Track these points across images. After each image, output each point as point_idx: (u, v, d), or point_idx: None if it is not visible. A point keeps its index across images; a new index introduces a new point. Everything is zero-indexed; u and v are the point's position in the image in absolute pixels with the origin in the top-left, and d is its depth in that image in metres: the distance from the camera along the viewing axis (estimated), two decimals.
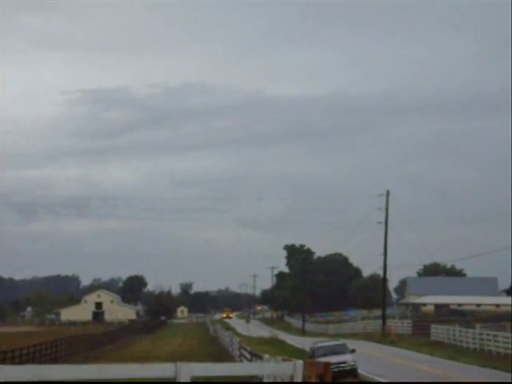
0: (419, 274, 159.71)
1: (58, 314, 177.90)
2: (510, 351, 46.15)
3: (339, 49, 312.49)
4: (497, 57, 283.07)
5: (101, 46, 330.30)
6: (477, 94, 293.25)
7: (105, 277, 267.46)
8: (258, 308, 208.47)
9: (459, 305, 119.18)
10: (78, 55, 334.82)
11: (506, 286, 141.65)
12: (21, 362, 43.61)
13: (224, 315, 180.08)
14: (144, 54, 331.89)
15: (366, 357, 44.23)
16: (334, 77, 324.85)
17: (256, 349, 40.17)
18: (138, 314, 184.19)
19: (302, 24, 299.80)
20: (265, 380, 21.84)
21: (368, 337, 75.90)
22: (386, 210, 79.42)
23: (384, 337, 72.59)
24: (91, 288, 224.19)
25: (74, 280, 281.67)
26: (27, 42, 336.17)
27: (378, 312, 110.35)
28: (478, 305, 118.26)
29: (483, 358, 45.43)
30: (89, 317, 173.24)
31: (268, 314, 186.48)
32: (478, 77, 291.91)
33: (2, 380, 7.97)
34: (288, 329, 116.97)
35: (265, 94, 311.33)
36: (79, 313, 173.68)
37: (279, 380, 16.79)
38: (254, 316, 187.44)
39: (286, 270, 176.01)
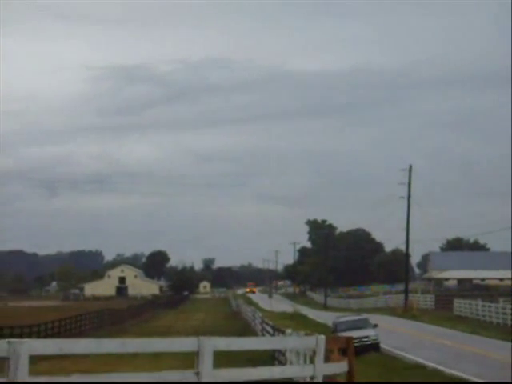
0: (442, 249, 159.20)
1: (82, 289, 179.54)
2: None
3: (360, 24, 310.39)
4: None
5: (123, 21, 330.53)
6: (501, 67, 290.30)
7: (128, 252, 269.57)
8: (280, 283, 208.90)
9: (482, 279, 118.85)
10: (101, 31, 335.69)
11: None
12: (46, 336, 44.16)
13: (247, 290, 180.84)
14: (166, 30, 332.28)
15: (388, 331, 44.27)
16: (354, 51, 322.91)
17: (278, 323, 40.31)
18: (161, 289, 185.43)
19: None
20: (287, 354, 21.94)
21: (390, 312, 75.93)
22: (409, 184, 79.07)
23: (406, 311, 72.58)
24: (114, 263, 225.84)
25: (97, 255, 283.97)
26: (50, 18, 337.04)
27: (400, 287, 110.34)
28: (501, 279, 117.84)
29: (506, 332, 45.28)
30: (112, 292, 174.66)
31: (290, 289, 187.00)
32: (504, 50, 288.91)
33: (28, 353, 8.06)
34: (310, 304, 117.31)
35: (286, 69, 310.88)
36: (103, 288, 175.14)
37: (302, 354, 16.86)
38: (277, 291, 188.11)
39: (308, 245, 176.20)
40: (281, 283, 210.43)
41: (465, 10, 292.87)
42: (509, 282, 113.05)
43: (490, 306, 56.95)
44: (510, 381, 22.37)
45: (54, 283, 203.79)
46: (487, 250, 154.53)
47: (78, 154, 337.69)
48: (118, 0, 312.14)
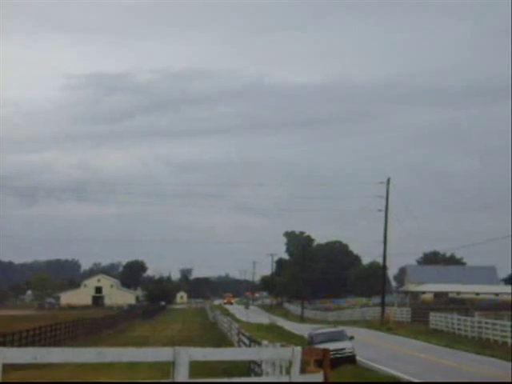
0: (419, 262, 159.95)
1: (57, 298, 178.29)
2: (507, 339, 46.33)
3: (341, 36, 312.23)
4: (499, 44, 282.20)
5: (103, 30, 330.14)
6: (478, 81, 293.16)
7: (105, 261, 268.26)
8: (256, 295, 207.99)
9: (458, 293, 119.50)
10: (81, 39, 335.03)
11: (505, 275, 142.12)
12: (20, 345, 43.80)
13: (225, 300, 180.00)
14: (147, 40, 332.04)
15: (364, 344, 44.40)
16: (335, 64, 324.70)
17: (255, 335, 40.31)
18: (137, 298, 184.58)
19: (305, 11, 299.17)
20: (263, 365, 21.95)
21: (367, 324, 76.11)
22: (387, 197, 79.42)
23: (383, 324, 72.77)
24: (91, 272, 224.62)
25: (74, 264, 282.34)
26: (31, 24, 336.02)
27: (377, 299, 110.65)
28: (477, 293, 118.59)
29: (481, 345, 45.58)
30: (88, 301, 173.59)
31: (267, 301, 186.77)
32: (480, 64, 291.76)
33: (2, 362, 8.03)
34: (287, 315, 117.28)
35: (267, 81, 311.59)
36: (79, 297, 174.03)
37: (278, 365, 16.89)
38: (253, 302, 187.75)
39: (285, 256, 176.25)
40: (256, 295, 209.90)
41: (445, 24, 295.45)
42: (485, 296, 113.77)
43: (465, 320, 57.27)
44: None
45: (30, 292, 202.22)
46: (463, 264, 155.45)
47: (56, 163, 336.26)
48: (99, 9, 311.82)
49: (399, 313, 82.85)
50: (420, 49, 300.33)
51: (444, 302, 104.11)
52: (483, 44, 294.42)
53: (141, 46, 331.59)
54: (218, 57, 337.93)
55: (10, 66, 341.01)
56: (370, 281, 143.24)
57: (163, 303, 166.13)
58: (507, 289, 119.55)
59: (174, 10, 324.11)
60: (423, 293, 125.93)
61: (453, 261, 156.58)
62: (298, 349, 12.61)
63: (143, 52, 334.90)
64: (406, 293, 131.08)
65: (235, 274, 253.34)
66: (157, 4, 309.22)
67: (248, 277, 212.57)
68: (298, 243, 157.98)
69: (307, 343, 36.81)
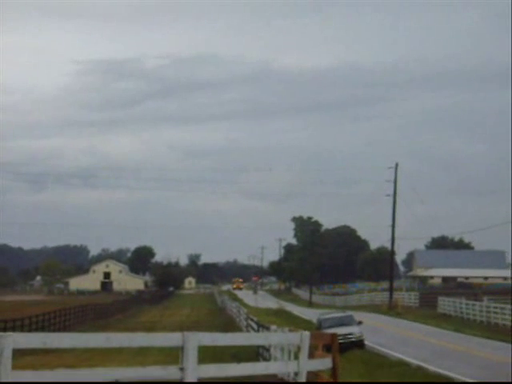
0: (427, 247, 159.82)
1: (66, 284, 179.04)
2: None
3: (348, 21, 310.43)
4: (506, 28, 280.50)
5: (111, 16, 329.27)
6: (485, 65, 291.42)
7: (113, 247, 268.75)
8: (260, 280, 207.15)
9: (466, 278, 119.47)
10: (89, 25, 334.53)
11: None
12: (30, 330, 43.99)
13: (234, 286, 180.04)
14: (154, 25, 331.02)
15: (372, 328, 44.41)
16: (342, 49, 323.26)
17: (263, 320, 40.35)
18: (146, 284, 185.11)
19: None
20: (272, 350, 21.97)
21: (375, 309, 76.16)
22: (395, 182, 79.27)
23: (391, 309, 72.80)
24: (100, 258, 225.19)
25: (82, 250, 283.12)
26: (38, 11, 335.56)
27: (385, 284, 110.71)
28: (486, 278, 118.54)
29: (489, 330, 45.54)
30: (97, 286, 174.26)
31: (276, 286, 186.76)
32: (487, 48, 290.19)
33: (12, 347, 8.03)
34: (295, 300, 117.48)
35: (274, 66, 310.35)
36: (88, 282, 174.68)
37: (286, 350, 16.90)
38: (262, 287, 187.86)
39: (293, 241, 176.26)
40: (260, 280, 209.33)
41: (453, 8, 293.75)
42: (494, 281, 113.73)
43: (473, 305, 57.22)
44: (498, 379, 22.48)
45: (39, 277, 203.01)
46: (471, 248, 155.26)
47: (65, 148, 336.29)
48: None
49: (407, 297, 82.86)
50: (427, 34, 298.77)
51: (452, 287, 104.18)
52: (491, 28, 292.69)
53: (148, 32, 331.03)
54: (226, 42, 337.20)
55: (18, 54, 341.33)
56: (379, 266, 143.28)
57: (171, 289, 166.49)
58: None
59: None
60: (431, 277, 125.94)
61: (461, 245, 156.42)
62: (307, 333, 12.59)
63: (151, 38, 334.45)
64: (415, 277, 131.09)
65: (243, 260, 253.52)
66: None
67: (256, 262, 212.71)
68: (306, 228, 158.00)
69: (315, 328, 36.84)
